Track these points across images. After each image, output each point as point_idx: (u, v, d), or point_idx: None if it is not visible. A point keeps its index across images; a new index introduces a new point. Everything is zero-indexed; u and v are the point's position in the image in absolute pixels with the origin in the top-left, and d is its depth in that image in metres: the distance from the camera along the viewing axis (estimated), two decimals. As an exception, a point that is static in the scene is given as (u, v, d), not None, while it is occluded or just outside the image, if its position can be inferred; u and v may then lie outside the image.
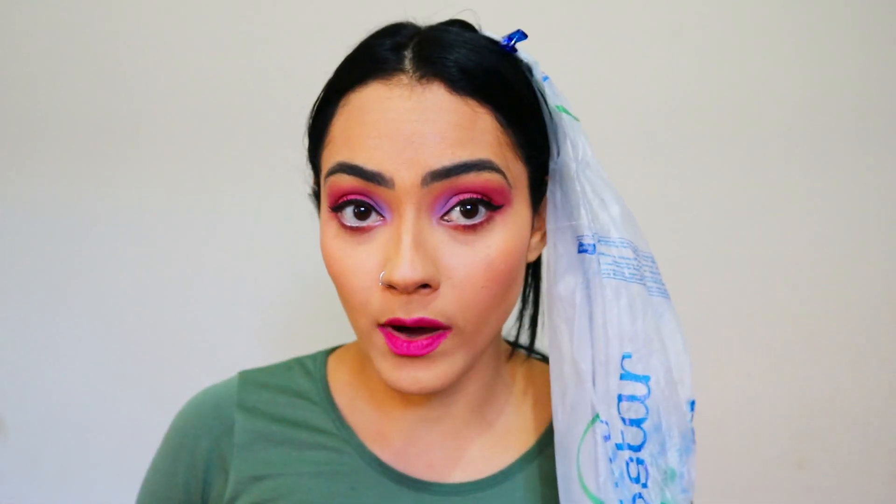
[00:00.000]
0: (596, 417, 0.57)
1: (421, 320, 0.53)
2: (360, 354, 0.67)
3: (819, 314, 1.05)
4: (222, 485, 0.64)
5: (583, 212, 0.59)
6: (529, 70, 0.60)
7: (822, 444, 1.06)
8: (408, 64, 0.54)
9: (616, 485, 0.56)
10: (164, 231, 1.03)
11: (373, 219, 0.54)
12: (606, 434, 0.56)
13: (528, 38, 0.60)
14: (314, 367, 0.68)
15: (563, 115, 0.59)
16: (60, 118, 1.02)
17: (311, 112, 0.60)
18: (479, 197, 0.53)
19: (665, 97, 1.03)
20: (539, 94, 0.60)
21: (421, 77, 0.53)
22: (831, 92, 1.03)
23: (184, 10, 1.02)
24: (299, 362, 0.70)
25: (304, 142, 0.62)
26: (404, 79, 0.53)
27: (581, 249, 0.59)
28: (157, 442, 0.69)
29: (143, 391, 1.03)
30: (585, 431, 0.57)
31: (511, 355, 0.68)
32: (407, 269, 0.51)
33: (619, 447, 0.57)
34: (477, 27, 0.61)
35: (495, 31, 0.62)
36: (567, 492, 0.58)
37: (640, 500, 0.57)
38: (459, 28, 0.59)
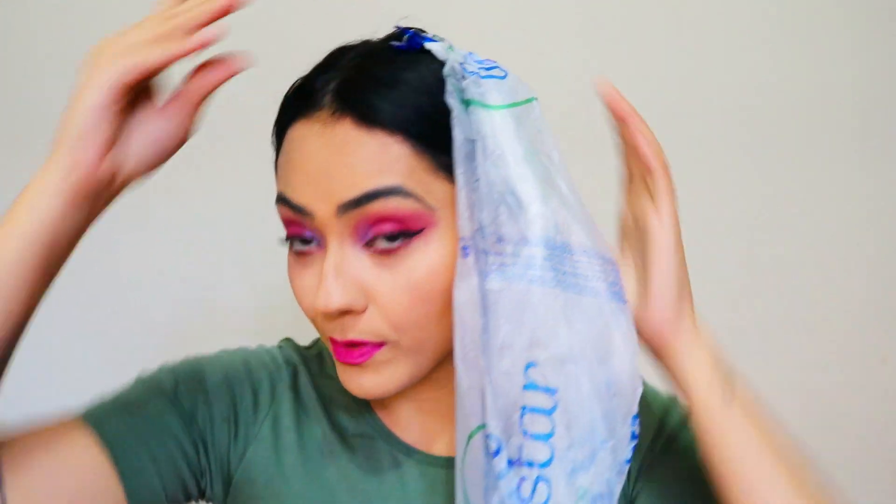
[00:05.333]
0: (479, 429, 0.53)
1: (351, 341, 0.56)
2: None
3: (819, 314, 1.05)
4: (259, 421, 0.66)
5: (462, 209, 0.55)
6: (441, 79, 0.57)
7: (822, 444, 1.05)
8: (327, 100, 0.57)
9: (501, 502, 0.52)
10: (161, 230, 1.03)
11: (312, 245, 0.57)
12: (493, 450, 0.53)
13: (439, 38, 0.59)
14: (324, 349, 0.71)
15: (474, 108, 0.56)
16: (56, 116, 1.03)
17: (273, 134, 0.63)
18: (396, 229, 0.55)
19: (664, 97, 1.03)
20: (459, 98, 0.57)
21: (333, 113, 0.56)
22: (831, 92, 1.03)
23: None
24: (319, 343, 0.72)
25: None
26: (322, 115, 0.56)
27: (463, 251, 0.55)
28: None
29: (142, 391, 1.03)
30: (468, 441, 0.54)
31: None
32: (324, 299, 0.54)
33: (511, 463, 0.52)
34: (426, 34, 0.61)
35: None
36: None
37: None
38: (392, 50, 0.59)
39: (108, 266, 1.03)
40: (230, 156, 1.03)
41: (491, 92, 0.56)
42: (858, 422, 1.05)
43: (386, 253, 0.55)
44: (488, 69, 0.57)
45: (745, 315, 1.05)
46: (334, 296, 0.54)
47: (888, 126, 1.04)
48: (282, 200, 0.57)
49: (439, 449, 0.65)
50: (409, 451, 0.65)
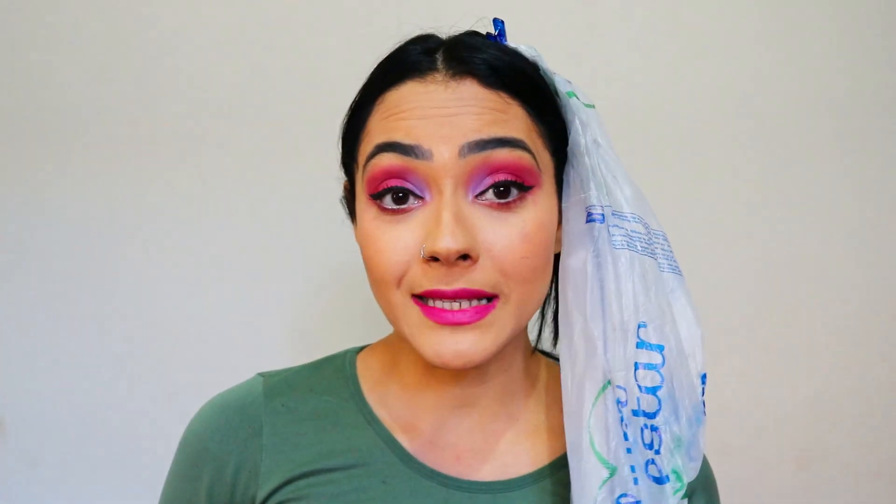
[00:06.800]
0: (607, 384, 0.59)
1: (462, 291, 0.55)
2: (391, 348, 0.68)
3: (820, 313, 1.05)
4: (253, 488, 0.64)
5: (591, 184, 0.61)
6: (537, 65, 0.63)
7: (823, 444, 1.06)
8: (440, 65, 0.59)
9: (629, 450, 0.58)
10: (165, 230, 1.03)
11: (411, 202, 0.57)
12: (623, 400, 0.58)
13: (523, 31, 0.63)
14: (344, 363, 0.69)
15: (573, 99, 0.63)
16: (62, 117, 1.02)
17: (346, 116, 0.64)
18: (512, 179, 0.57)
19: (673, 96, 1.03)
20: (552, 86, 0.64)
21: (454, 74, 0.58)
22: (835, 90, 1.03)
23: (187, 10, 1.02)
24: (329, 360, 0.71)
25: (338, 145, 0.65)
26: (438, 76, 0.58)
27: (589, 219, 0.61)
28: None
29: (143, 391, 1.03)
30: (597, 398, 0.59)
31: (533, 351, 0.70)
32: (449, 239, 0.53)
33: (635, 413, 0.59)
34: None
35: (490, 25, 0.63)
36: (578, 459, 0.59)
37: (653, 465, 0.58)
38: (487, 35, 0.64)
39: (109, 267, 1.03)
40: (236, 159, 1.03)
41: (577, 90, 0.63)
42: (858, 422, 1.05)
43: (499, 206, 0.56)
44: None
45: (744, 315, 1.05)
46: (458, 238, 0.53)
47: (890, 124, 1.04)
48: (388, 147, 0.57)
49: (478, 471, 0.63)
50: (444, 480, 0.62)
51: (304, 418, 0.65)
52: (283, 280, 1.03)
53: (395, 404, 0.66)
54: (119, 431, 1.03)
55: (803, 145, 1.04)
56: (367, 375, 0.68)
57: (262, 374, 0.70)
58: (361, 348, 0.72)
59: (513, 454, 0.64)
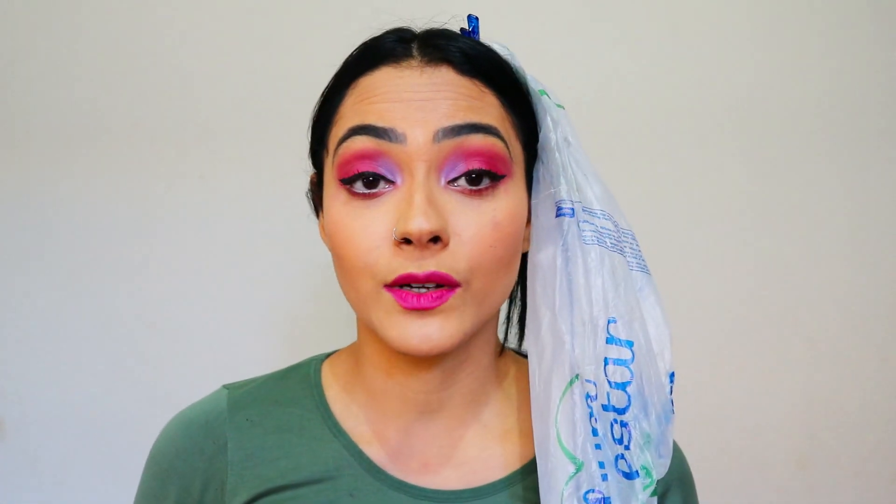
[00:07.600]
0: (575, 378, 0.58)
1: (433, 274, 0.54)
2: (355, 354, 0.67)
3: (820, 314, 1.05)
4: None
5: (562, 179, 0.61)
6: (510, 63, 0.63)
7: (823, 444, 1.06)
8: (416, 52, 0.59)
9: (598, 446, 0.57)
10: (163, 231, 1.03)
11: (381, 186, 0.56)
12: (593, 395, 0.58)
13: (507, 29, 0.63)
14: (308, 373, 0.68)
15: (545, 97, 0.63)
16: (60, 118, 1.02)
17: (318, 103, 0.63)
18: (485, 168, 0.56)
19: (672, 96, 1.03)
20: (524, 83, 0.63)
21: (430, 61, 0.58)
22: (829, 90, 1.03)
23: (184, 9, 1.02)
24: (295, 369, 0.69)
25: (307, 135, 0.64)
26: (413, 63, 0.58)
27: (559, 213, 0.60)
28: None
29: (142, 391, 1.03)
30: (564, 392, 0.58)
31: (502, 352, 0.68)
32: (422, 220, 0.53)
33: (605, 408, 0.58)
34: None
35: (491, 28, 0.63)
36: (544, 454, 0.58)
37: (622, 460, 0.58)
38: (462, 31, 0.64)
39: (109, 268, 1.03)
40: (238, 161, 1.03)
41: (548, 90, 0.63)
42: (858, 422, 1.05)
43: (471, 193, 0.56)
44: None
45: (745, 315, 1.05)
46: (430, 218, 0.53)
47: (886, 123, 1.04)
48: (361, 130, 0.56)
49: (445, 479, 0.62)
50: (412, 490, 0.61)
51: (268, 432, 0.63)
52: (285, 281, 1.03)
53: (360, 412, 0.64)
54: (119, 431, 1.03)
55: (795, 145, 1.04)
56: (333, 383, 0.66)
57: (226, 387, 0.68)
58: (328, 355, 0.70)
59: (481, 460, 0.63)
